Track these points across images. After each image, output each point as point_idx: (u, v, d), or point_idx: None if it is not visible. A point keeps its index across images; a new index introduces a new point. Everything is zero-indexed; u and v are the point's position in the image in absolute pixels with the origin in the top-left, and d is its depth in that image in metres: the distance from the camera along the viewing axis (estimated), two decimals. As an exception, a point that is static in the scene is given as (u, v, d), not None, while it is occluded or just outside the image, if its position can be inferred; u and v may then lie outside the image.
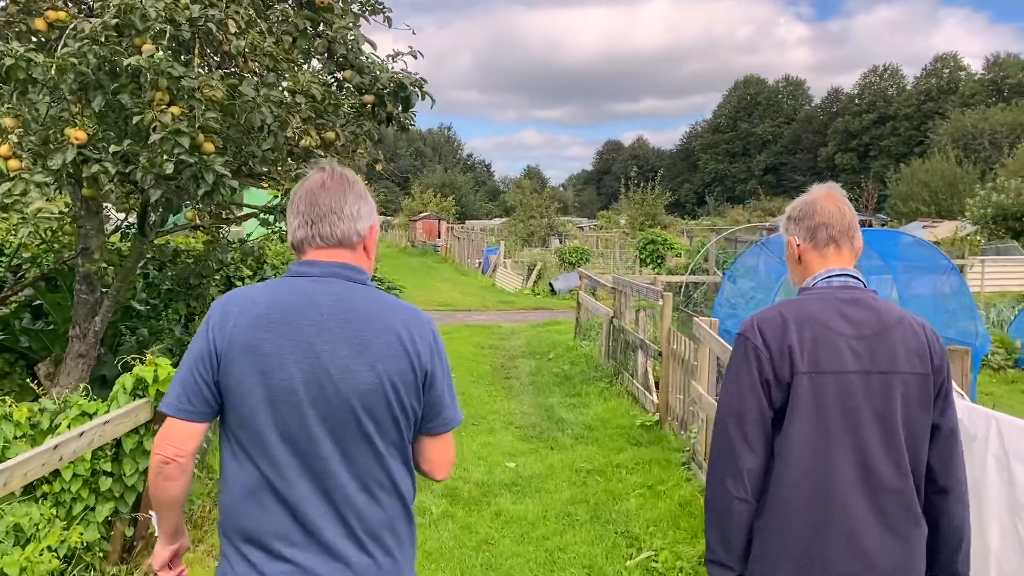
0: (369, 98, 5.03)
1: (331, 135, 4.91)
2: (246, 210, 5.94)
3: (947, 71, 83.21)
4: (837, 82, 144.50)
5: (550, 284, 20.52)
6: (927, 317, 2.59)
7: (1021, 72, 75.21)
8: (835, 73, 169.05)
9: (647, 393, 8.06)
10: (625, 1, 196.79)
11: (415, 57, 5.19)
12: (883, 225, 34.56)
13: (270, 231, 6.29)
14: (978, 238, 24.26)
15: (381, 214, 47.45)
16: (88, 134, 4.08)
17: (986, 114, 57.01)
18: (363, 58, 5.15)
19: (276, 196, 5.47)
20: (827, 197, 2.14)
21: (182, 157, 3.93)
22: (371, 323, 1.78)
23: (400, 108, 5.12)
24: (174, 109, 3.94)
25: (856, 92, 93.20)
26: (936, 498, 1.99)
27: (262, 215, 5.87)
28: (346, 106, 5.33)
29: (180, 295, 6.83)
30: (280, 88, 4.66)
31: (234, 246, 6.74)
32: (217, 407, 1.79)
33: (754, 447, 1.93)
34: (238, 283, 8.33)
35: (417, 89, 5.10)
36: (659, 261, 23.98)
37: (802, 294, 2.09)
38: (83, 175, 4.16)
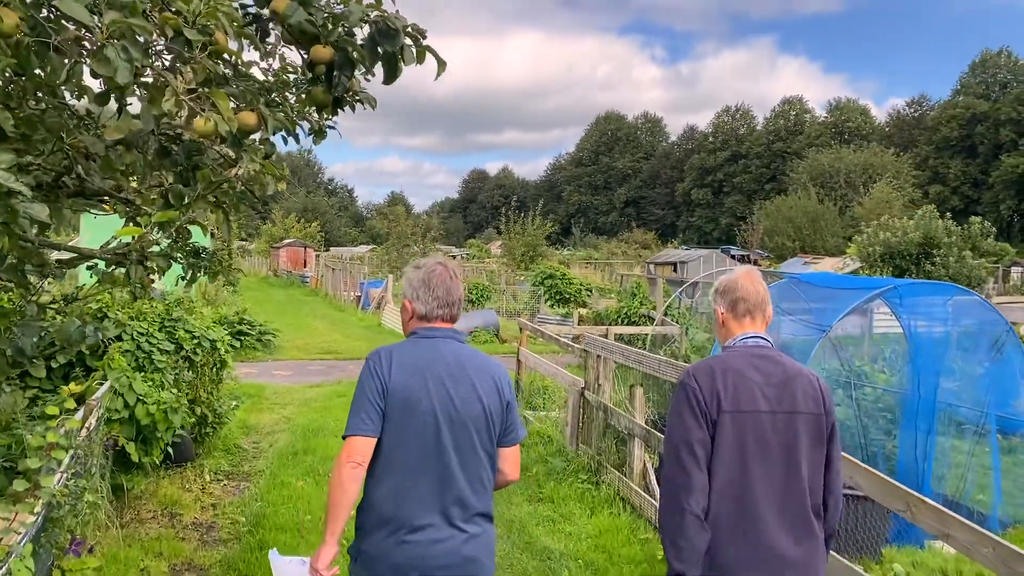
0: (324, 52, 2.61)
1: (250, 118, 2.44)
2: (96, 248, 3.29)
3: (794, 113, 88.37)
4: (689, 121, 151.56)
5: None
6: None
7: (860, 116, 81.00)
8: (686, 112, 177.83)
9: (653, 500, 5.93)
10: (489, 35, 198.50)
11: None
12: (768, 262, 34.63)
13: (115, 285, 3.61)
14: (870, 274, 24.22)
15: (240, 240, 43.39)
16: None
17: (840, 154, 60.26)
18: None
19: (137, 227, 2.88)
20: (746, 276, 2.70)
21: None
22: (477, 370, 2.60)
23: (382, 72, 2.72)
24: None
25: (710, 131, 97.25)
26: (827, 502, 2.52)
27: (102, 262, 3.23)
28: (271, 67, 2.89)
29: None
30: (147, 11, 2.17)
31: (53, 319, 4.01)
32: (381, 427, 2.48)
33: (702, 467, 2.39)
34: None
35: (413, 41, 2.74)
36: (558, 298, 22.17)
37: (725, 351, 2.63)
38: None
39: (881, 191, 47.58)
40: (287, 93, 4.10)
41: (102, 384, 5.74)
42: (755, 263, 34.88)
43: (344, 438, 2.46)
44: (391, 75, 2.76)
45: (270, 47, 4.52)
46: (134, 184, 2.73)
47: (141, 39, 2.09)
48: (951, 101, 73.25)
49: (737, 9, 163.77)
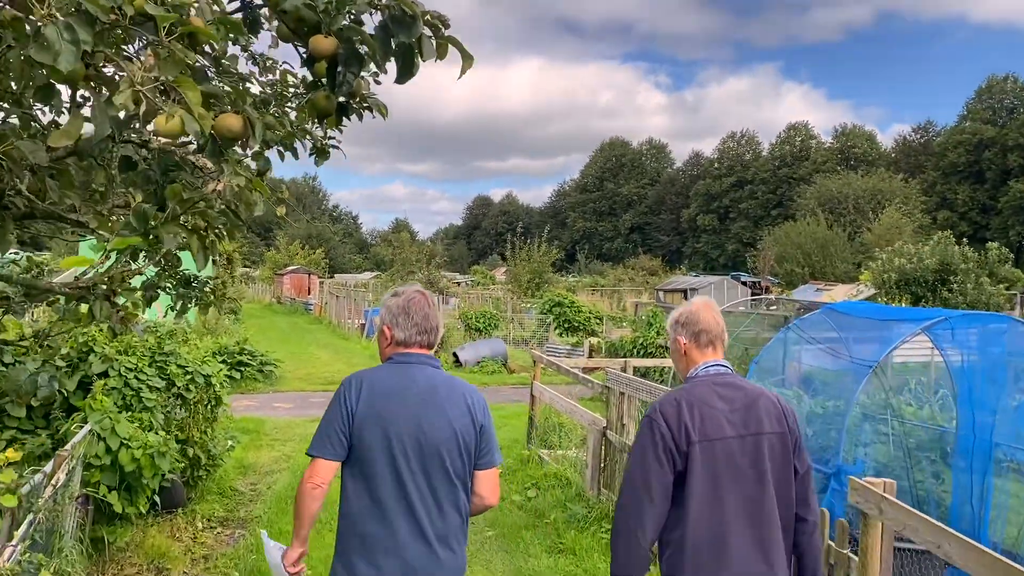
0: (326, 44, 2.15)
1: (233, 121, 1.97)
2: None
3: (799, 139, 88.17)
4: (693, 147, 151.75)
5: (454, 354, 17.57)
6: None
7: (866, 142, 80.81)
8: (691, 139, 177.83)
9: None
10: (492, 62, 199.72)
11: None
12: (779, 288, 34.06)
13: (79, 324, 3.13)
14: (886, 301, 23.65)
15: (243, 267, 43.02)
16: None
17: (848, 179, 59.85)
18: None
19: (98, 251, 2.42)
20: (706, 308, 2.81)
21: None
22: (449, 394, 2.66)
23: (395, 69, 2.24)
24: None
25: (715, 156, 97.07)
26: (799, 526, 2.64)
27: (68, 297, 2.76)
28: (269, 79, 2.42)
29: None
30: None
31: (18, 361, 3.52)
32: (346, 451, 2.58)
33: (657, 505, 2.50)
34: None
35: (433, 31, 2.28)
36: (567, 326, 21.62)
37: (688, 382, 2.71)
38: None
39: (891, 217, 47.11)
40: (287, 107, 3.67)
41: (83, 427, 5.24)
42: (766, 289, 34.35)
43: (308, 455, 2.60)
44: (406, 72, 2.28)
45: (268, 60, 4.07)
46: (97, 208, 2.25)
47: (93, 17, 1.62)
48: (958, 127, 72.96)
49: (740, 37, 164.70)
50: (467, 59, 2.31)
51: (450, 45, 2.32)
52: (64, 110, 2.15)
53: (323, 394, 13.84)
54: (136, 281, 4.11)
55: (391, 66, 2.36)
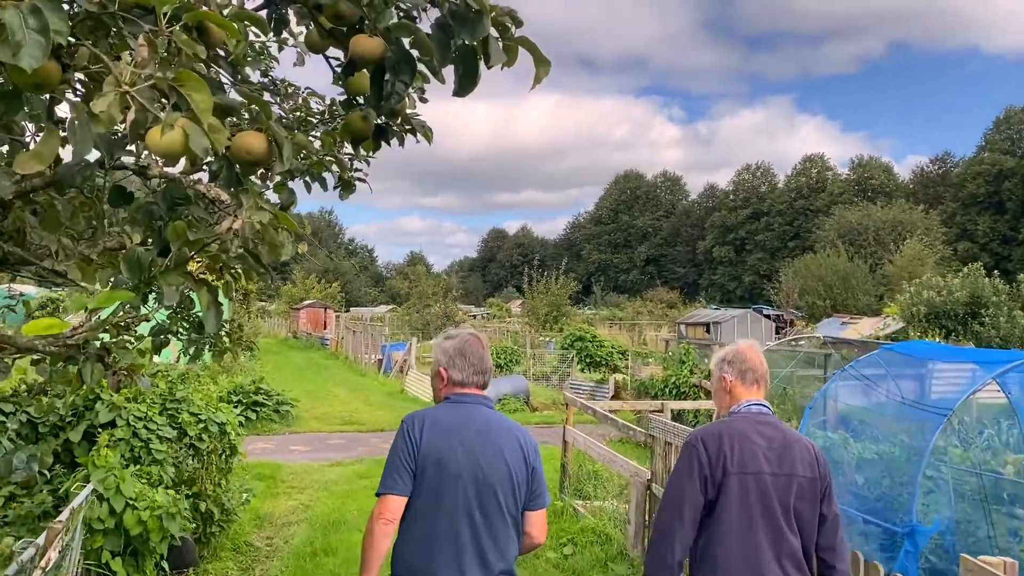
0: (371, 46, 1.72)
1: (254, 141, 1.53)
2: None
3: (816, 171, 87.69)
4: (707, 179, 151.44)
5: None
6: None
7: (883, 174, 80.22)
8: (705, 171, 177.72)
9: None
10: (507, 97, 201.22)
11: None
12: (803, 322, 33.34)
13: (69, 387, 2.67)
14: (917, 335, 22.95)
15: (259, 301, 42.85)
16: None
17: (868, 211, 59.16)
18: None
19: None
20: (751, 349, 2.95)
21: None
22: (504, 435, 2.73)
23: (454, 78, 1.81)
24: None
25: (731, 188, 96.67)
26: (828, 573, 2.73)
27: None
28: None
29: None
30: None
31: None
32: (412, 486, 2.62)
33: (687, 527, 2.65)
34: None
35: (500, 32, 1.84)
36: (588, 361, 21.06)
37: (731, 416, 2.84)
38: None
39: (912, 248, 46.36)
40: (311, 135, 3.27)
41: (86, 486, 4.78)
42: (790, 323, 33.59)
43: (377, 495, 2.64)
44: (468, 80, 1.83)
45: (290, 87, 3.67)
46: (79, 248, 1.81)
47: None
48: (976, 158, 72.28)
49: (754, 70, 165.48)
50: (543, 64, 1.86)
51: (521, 48, 1.87)
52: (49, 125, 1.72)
53: (340, 435, 13.34)
54: (143, 328, 3.69)
55: (448, 74, 1.92)
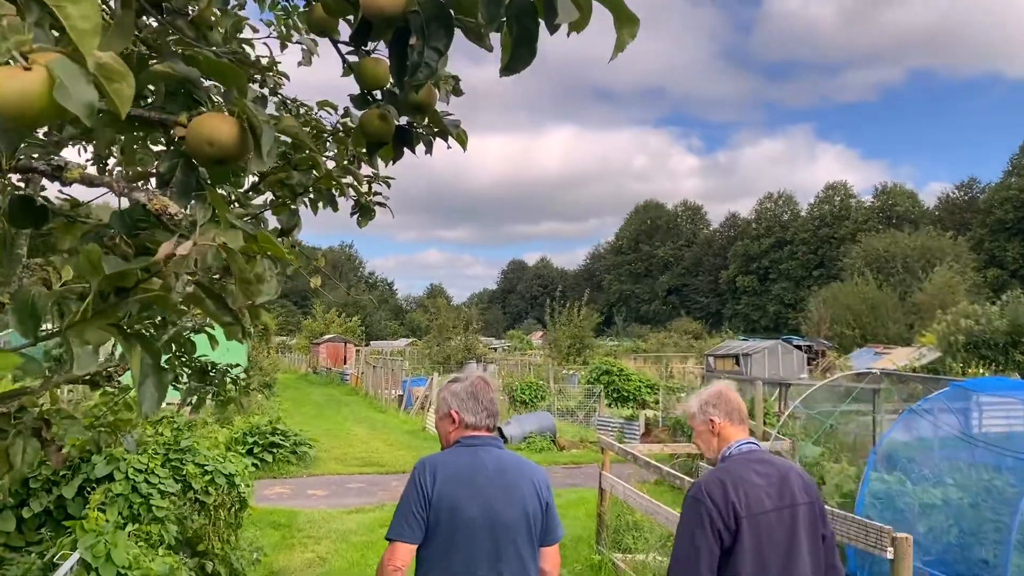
0: (390, 1, 1.24)
1: (220, 125, 1.03)
2: None
3: (839, 199, 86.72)
4: (728, 208, 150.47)
5: (498, 430, 16.41)
6: None
7: (907, 200, 79.11)
8: (726, 200, 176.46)
9: None
10: (526, 130, 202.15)
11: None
12: (836, 353, 32.37)
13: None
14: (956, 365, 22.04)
15: (278, 335, 42.51)
16: None
17: (895, 238, 58.09)
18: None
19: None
20: (728, 390, 3.00)
21: None
22: (516, 474, 2.75)
23: (507, 47, 1.33)
24: None
25: (753, 217, 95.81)
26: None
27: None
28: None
29: None
30: None
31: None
32: (424, 533, 2.62)
33: (703, 573, 2.64)
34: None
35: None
36: (615, 396, 20.35)
37: (725, 461, 2.85)
38: None
39: (942, 276, 45.26)
40: (325, 155, 2.78)
41: (73, 553, 4.25)
42: (822, 354, 32.59)
43: (387, 539, 2.64)
44: (525, 49, 1.31)
45: (297, 103, 3.22)
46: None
47: None
48: (1003, 183, 71.04)
49: (773, 99, 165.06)
50: (627, 23, 1.32)
51: (596, 2, 1.35)
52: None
53: (360, 478, 12.76)
54: (126, 378, 3.19)
55: (496, 42, 1.40)
